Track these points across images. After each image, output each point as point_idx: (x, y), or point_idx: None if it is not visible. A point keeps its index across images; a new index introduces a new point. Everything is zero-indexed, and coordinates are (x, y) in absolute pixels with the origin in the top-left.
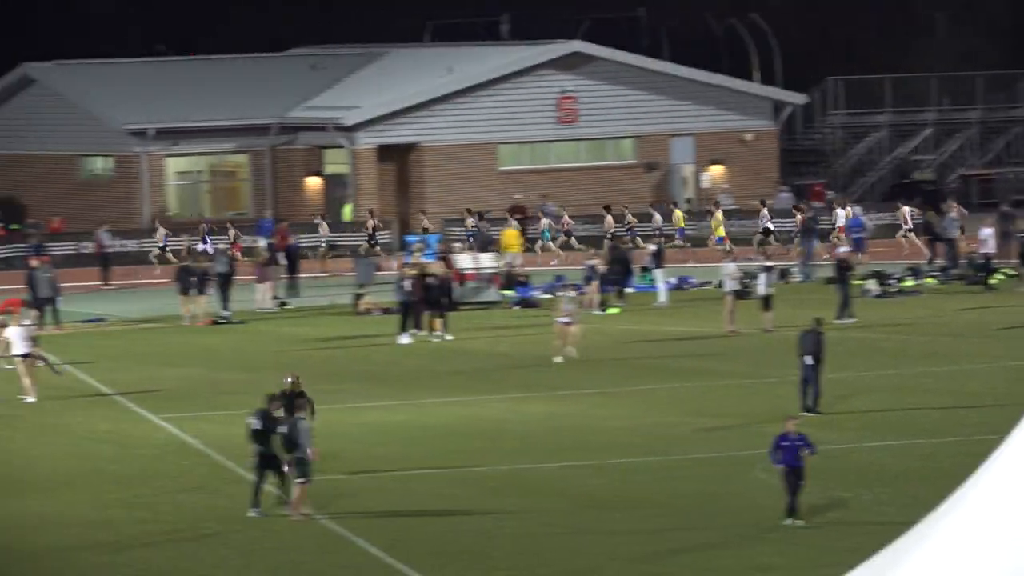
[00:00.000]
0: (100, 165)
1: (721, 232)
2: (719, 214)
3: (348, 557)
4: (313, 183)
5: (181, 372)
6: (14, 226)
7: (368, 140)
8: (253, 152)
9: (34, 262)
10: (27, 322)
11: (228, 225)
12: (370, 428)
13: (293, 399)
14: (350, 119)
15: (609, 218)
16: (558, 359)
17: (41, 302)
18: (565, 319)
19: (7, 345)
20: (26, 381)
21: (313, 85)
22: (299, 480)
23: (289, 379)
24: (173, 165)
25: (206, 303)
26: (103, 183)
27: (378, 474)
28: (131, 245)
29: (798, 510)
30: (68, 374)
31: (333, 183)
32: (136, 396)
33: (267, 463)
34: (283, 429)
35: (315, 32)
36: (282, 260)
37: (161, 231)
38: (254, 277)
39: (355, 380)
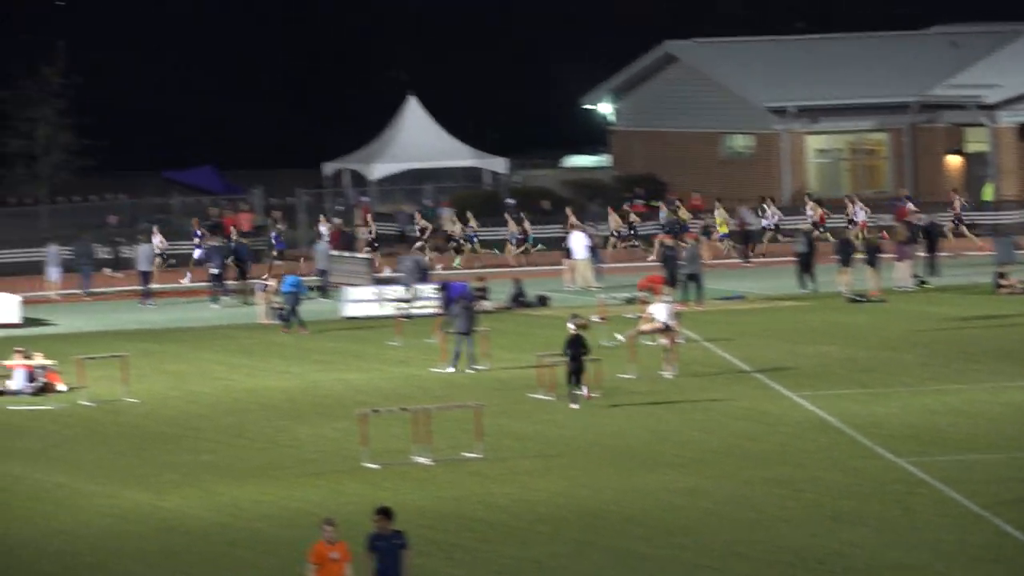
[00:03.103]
0: (740, 143)
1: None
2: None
3: (987, 537)
4: (953, 161)
5: (819, 349)
6: (654, 203)
7: (1010, 119)
8: (892, 130)
9: (667, 240)
10: (668, 298)
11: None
12: (1010, 408)
13: None
14: (991, 97)
15: None
16: None
17: (678, 279)
18: None
19: (650, 320)
20: (668, 354)
21: (953, 63)
22: None
23: None
24: (813, 143)
25: (873, 276)
26: (743, 161)
27: (1018, 455)
28: (769, 222)
29: None
30: (707, 351)
31: (973, 162)
32: (774, 373)
33: None
34: None
35: (955, 9)
36: (920, 239)
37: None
38: (893, 255)
39: (994, 359)
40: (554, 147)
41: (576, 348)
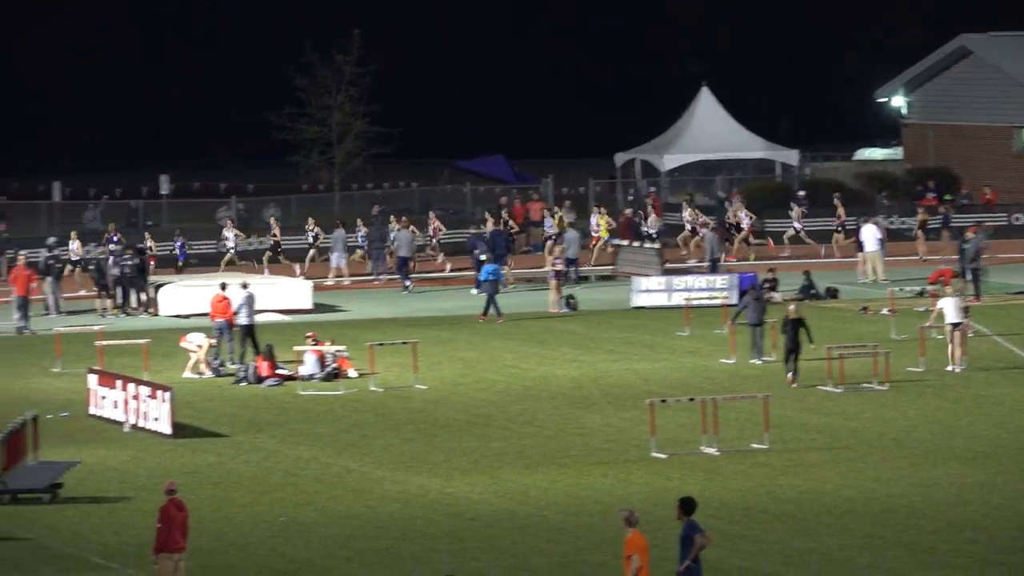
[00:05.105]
0: None
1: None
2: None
3: None
4: None
5: None
6: (947, 196)
7: None
8: None
9: (969, 233)
10: (960, 292)
11: None
12: None
13: None
14: None
15: None
16: None
17: (969, 272)
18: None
19: (940, 314)
20: (956, 351)
21: None
22: None
23: None
24: None
25: None
26: None
27: None
28: None
29: None
30: (997, 345)
31: None
32: None
33: None
34: None
35: None
36: None
37: None
38: None
39: None
40: (847, 140)
41: (792, 330)
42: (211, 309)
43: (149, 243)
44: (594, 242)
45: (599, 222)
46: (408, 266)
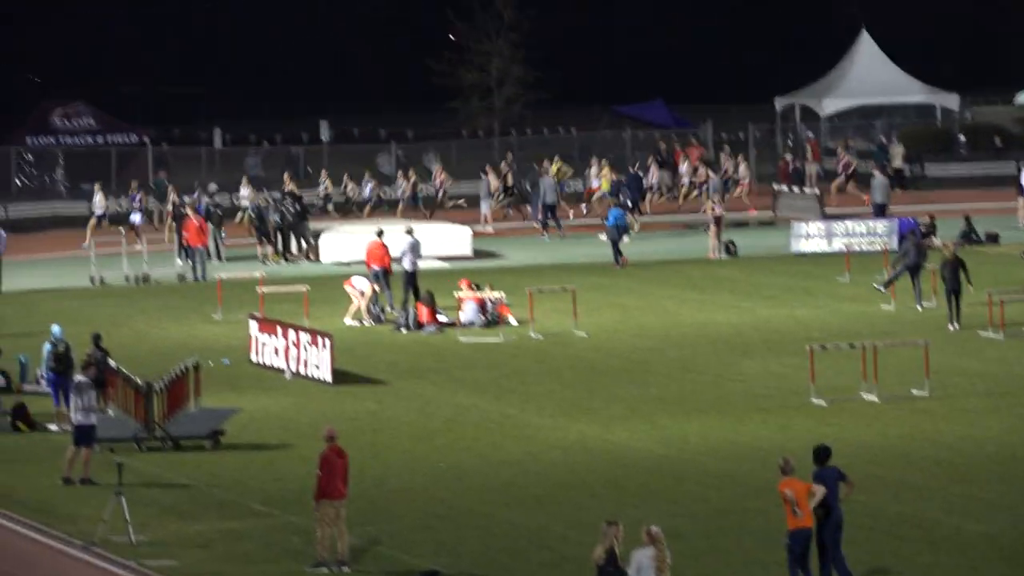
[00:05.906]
0: None
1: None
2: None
3: None
4: None
5: None
6: None
7: None
8: None
9: None
10: None
11: None
12: None
13: None
14: None
15: None
16: None
17: None
18: None
19: None
20: None
21: None
22: None
23: None
24: None
25: None
26: None
27: None
28: None
29: None
30: None
31: None
32: None
33: None
34: None
35: None
36: None
37: None
38: None
39: None
40: (1009, 83)
41: (952, 272)
42: (367, 256)
43: (173, 196)
44: (589, 192)
45: (599, 174)
46: (554, 212)
